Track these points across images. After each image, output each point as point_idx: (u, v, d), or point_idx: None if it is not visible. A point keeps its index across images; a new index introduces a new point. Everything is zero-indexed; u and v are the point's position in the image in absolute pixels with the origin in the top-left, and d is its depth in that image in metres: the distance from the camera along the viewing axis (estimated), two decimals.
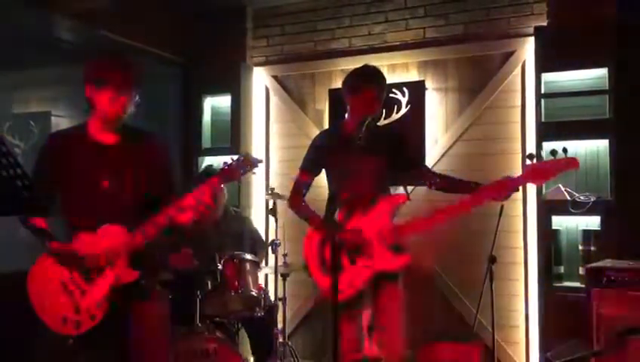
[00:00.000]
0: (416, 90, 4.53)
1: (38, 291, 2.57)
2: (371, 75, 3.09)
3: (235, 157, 2.56)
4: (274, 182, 4.73)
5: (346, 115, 3.18)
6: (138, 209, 2.56)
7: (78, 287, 2.50)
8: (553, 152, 2.78)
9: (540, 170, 2.81)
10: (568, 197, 3.89)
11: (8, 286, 3.22)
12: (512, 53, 4.30)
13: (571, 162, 2.76)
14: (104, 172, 2.54)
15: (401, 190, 3.21)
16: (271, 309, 4.00)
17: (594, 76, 4.03)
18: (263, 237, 4.52)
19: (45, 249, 2.57)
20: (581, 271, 3.85)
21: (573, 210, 3.86)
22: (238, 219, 4.34)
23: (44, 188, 2.55)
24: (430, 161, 4.47)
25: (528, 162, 2.86)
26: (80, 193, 2.54)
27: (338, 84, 3.24)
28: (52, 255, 2.54)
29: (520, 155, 4.24)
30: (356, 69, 3.16)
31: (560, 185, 3.95)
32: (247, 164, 2.54)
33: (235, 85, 5.04)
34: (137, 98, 2.57)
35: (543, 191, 4.02)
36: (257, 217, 5.03)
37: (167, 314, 2.68)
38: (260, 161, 2.63)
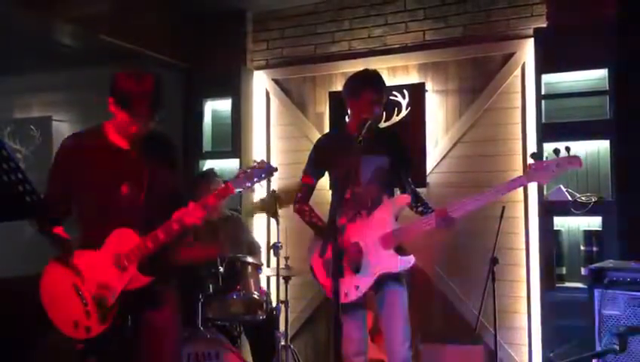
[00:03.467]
0: (417, 92, 4.53)
1: (50, 295, 2.57)
2: (371, 79, 3.10)
3: (253, 164, 2.55)
4: (275, 185, 4.73)
5: (347, 118, 3.19)
6: (151, 213, 2.56)
7: (90, 292, 2.51)
8: (556, 151, 2.78)
9: (542, 169, 2.81)
10: (569, 198, 3.89)
11: (12, 290, 3.23)
12: (511, 55, 4.31)
13: (574, 160, 2.77)
14: (122, 176, 2.53)
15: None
16: (273, 312, 4.00)
17: (594, 77, 4.03)
18: (258, 242, 4.51)
19: (61, 256, 2.56)
20: (583, 271, 3.85)
21: (574, 211, 3.86)
22: (233, 221, 4.35)
23: (60, 190, 2.56)
24: (431, 162, 4.48)
25: (531, 161, 2.86)
26: (97, 197, 2.53)
27: (338, 86, 3.25)
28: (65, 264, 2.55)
29: (520, 157, 4.24)
30: (356, 73, 3.18)
31: (561, 186, 3.95)
32: (263, 172, 2.54)
33: (235, 89, 5.05)
34: (156, 120, 2.54)
35: (545, 192, 4.03)
36: (259, 220, 5.03)
37: (177, 319, 2.67)
38: (276, 170, 2.61)
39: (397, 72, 4.66)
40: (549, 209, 4.01)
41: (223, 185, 2.53)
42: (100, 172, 2.53)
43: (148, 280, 2.50)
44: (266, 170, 2.53)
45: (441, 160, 4.48)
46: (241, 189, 2.53)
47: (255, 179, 2.52)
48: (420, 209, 3.13)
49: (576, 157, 2.77)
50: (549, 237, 4.01)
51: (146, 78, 2.44)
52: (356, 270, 2.96)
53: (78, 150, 2.58)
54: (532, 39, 4.16)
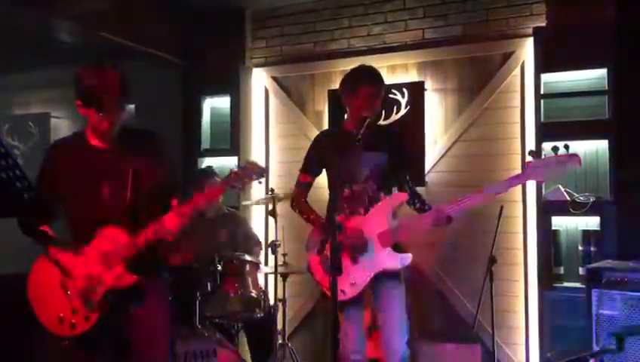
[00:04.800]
0: (416, 91, 4.53)
1: (37, 291, 2.58)
2: (367, 74, 3.10)
3: (242, 165, 2.55)
4: (273, 183, 4.72)
5: (346, 115, 3.19)
6: (139, 212, 2.56)
7: (76, 288, 2.51)
8: (555, 149, 2.79)
9: (541, 167, 2.81)
10: (568, 198, 3.89)
11: (8, 288, 3.23)
12: (511, 54, 4.30)
13: (573, 159, 2.76)
14: (104, 177, 2.55)
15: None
16: (271, 310, 4.00)
17: (593, 76, 4.03)
18: (258, 236, 4.51)
19: (45, 251, 2.58)
20: (581, 271, 3.85)
21: (572, 211, 3.86)
22: (231, 219, 4.34)
23: (47, 196, 2.57)
24: (430, 161, 4.47)
25: (530, 159, 2.86)
26: (81, 199, 2.55)
27: (337, 84, 3.24)
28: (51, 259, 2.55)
29: (519, 156, 4.24)
30: (352, 69, 3.18)
31: (559, 186, 3.95)
32: (253, 173, 2.54)
33: (234, 86, 5.05)
34: (127, 111, 2.55)
35: (543, 191, 4.03)
36: (257, 218, 5.03)
37: (166, 317, 2.67)
38: (265, 171, 2.62)
39: (396, 70, 4.66)
40: (548, 208, 4.01)
41: (212, 186, 2.54)
42: (83, 174, 2.55)
43: (135, 278, 2.50)
44: (256, 172, 2.53)
45: (440, 159, 4.48)
46: (231, 190, 2.53)
47: (245, 180, 2.51)
48: (417, 206, 3.13)
49: (575, 156, 2.76)
50: (547, 236, 4.01)
51: (107, 71, 2.47)
52: (358, 252, 2.95)
53: (62, 155, 2.62)
54: (531, 38, 4.17)
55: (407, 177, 3.18)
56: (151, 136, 2.73)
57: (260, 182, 2.58)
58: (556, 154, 2.78)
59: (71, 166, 2.57)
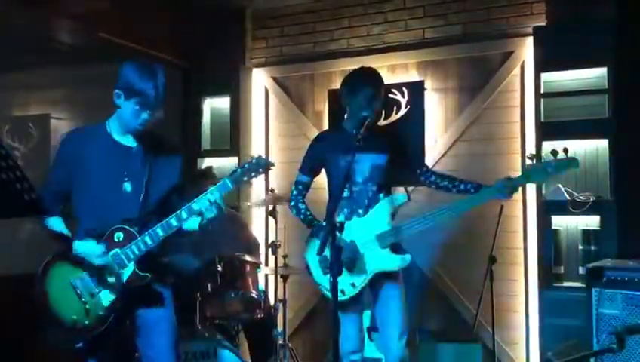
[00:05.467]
0: (416, 91, 4.53)
1: (49, 293, 2.55)
2: (368, 76, 3.10)
3: (249, 159, 2.54)
4: (274, 184, 4.73)
5: (346, 116, 3.19)
6: (151, 212, 2.56)
7: (88, 290, 2.50)
8: (554, 152, 2.78)
9: (540, 170, 2.82)
10: (568, 197, 3.89)
11: (9, 288, 3.23)
12: (511, 53, 4.31)
13: (572, 163, 2.77)
14: (123, 174, 2.54)
15: (401, 190, 3.21)
16: (271, 311, 4.00)
17: (593, 76, 4.03)
18: (258, 239, 4.52)
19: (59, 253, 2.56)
20: (581, 270, 3.85)
21: (572, 210, 3.86)
22: (231, 219, 4.34)
23: (58, 185, 2.56)
24: (430, 161, 4.47)
25: (529, 162, 2.86)
26: (96, 193, 2.53)
27: (337, 85, 3.24)
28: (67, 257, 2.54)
29: (519, 155, 4.24)
30: (353, 71, 3.18)
31: (559, 185, 3.95)
32: (260, 166, 2.53)
33: (234, 87, 5.05)
34: (160, 114, 2.55)
35: (543, 191, 4.03)
36: (257, 218, 5.03)
37: (174, 318, 2.66)
38: (273, 164, 2.61)
39: (396, 70, 4.66)
40: (548, 208, 4.01)
41: (219, 182, 2.52)
42: (101, 168, 2.53)
43: (146, 278, 2.50)
44: (262, 165, 2.52)
45: (440, 158, 4.48)
46: (238, 185, 2.53)
47: (252, 174, 2.51)
48: (461, 187, 3.06)
49: (573, 160, 2.77)
50: (548, 236, 4.00)
51: (158, 70, 2.48)
52: (350, 268, 2.94)
53: (80, 145, 2.58)
54: (531, 37, 4.16)
55: (424, 169, 3.18)
56: (169, 141, 2.73)
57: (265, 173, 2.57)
58: (555, 157, 2.78)
59: (89, 159, 2.54)
